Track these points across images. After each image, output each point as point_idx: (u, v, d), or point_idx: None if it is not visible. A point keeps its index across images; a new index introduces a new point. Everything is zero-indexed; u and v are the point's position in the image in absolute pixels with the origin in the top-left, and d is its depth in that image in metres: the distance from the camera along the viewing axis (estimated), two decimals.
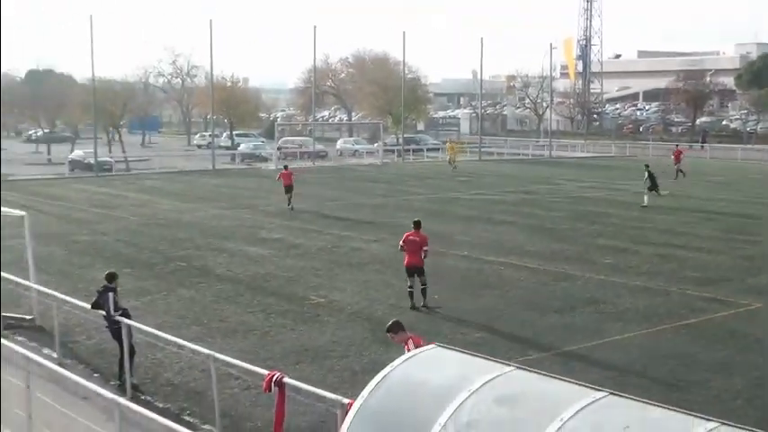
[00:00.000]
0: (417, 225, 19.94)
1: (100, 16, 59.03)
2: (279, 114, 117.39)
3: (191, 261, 24.84)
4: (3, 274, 17.93)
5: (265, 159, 67.50)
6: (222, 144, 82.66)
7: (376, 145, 73.88)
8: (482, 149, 72.25)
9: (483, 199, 38.88)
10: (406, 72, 77.27)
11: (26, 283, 17.91)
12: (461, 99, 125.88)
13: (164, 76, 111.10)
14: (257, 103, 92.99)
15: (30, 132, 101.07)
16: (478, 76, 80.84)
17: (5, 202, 31.29)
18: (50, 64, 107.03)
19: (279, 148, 65.41)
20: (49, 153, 76.80)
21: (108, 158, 61.76)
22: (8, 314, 17.78)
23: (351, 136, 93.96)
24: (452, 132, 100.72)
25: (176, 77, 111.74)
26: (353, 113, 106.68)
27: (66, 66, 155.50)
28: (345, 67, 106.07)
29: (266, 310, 19.30)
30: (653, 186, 38.80)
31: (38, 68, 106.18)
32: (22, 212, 19.24)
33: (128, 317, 14.78)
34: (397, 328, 12.11)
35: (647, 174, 39.01)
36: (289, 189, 36.83)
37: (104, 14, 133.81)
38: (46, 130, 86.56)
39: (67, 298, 16.53)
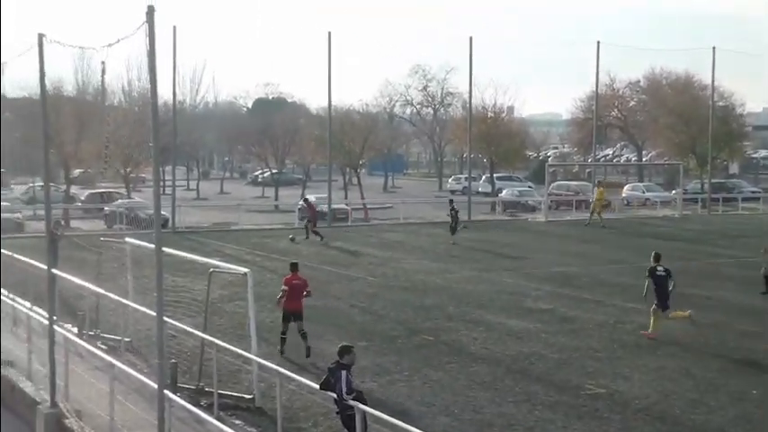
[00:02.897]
0: (295, 267, 23.07)
1: (338, 33, 62.07)
2: (550, 153, 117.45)
3: (439, 335, 25.15)
4: (221, 343, 18.94)
5: (533, 209, 67.53)
6: (480, 189, 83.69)
7: (674, 192, 72.06)
8: None
9: None
10: (716, 99, 75.09)
11: (246, 354, 18.80)
12: None
13: (412, 105, 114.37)
14: (524, 138, 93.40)
15: (256, 173, 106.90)
16: None
17: (229, 257, 33.14)
18: (281, 91, 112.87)
19: (549, 195, 65.32)
20: (276, 198, 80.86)
21: (343, 205, 64.02)
22: (226, 392, 18.74)
23: (641, 181, 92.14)
24: None
25: (427, 107, 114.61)
26: (645, 152, 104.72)
27: (299, 92, 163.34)
28: (636, 93, 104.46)
29: (531, 400, 19.15)
30: (454, 225, 45.82)
31: (267, 97, 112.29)
32: (245, 270, 20.20)
33: (363, 401, 15.10)
34: None
35: (450, 209, 46.12)
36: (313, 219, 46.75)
37: (343, 31, 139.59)
38: (274, 171, 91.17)
39: (292, 375, 17.17)
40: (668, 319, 25.13)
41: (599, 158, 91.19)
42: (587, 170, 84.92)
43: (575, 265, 38.08)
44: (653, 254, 26.03)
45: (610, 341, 24.45)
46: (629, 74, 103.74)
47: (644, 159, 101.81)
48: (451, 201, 48.50)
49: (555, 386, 20.15)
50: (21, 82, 61.42)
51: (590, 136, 76.59)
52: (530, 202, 70.76)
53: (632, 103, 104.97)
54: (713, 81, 71.22)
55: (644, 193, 78.67)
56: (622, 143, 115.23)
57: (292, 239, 45.17)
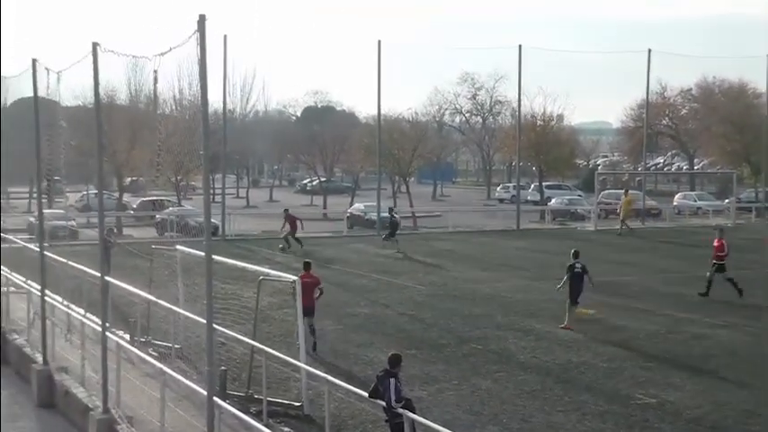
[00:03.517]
0: (308, 266, 24.58)
1: (388, 42, 61.88)
2: (599, 161, 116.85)
3: (488, 343, 25.12)
4: (270, 350, 19.05)
5: (582, 218, 67.20)
6: (529, 198, 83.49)
7: (727, 201, 71.33)
8: None
9: None
10: None
11: (295, 362, 18.88)
12: None
13: (461, 113, 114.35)
14: (573, 147, 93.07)
15: (305, 182, 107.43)
16: None
17: (278, 265, 33.24)
18: (330, 99, 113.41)
19: (599, 204, 64.99)
20: (324, 206, 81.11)
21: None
22: (274, 399, 18.84)
23: (692, 189, 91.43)
24: None
25: (476, 115, 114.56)
26: (697, 160, 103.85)
27: (348, 101, 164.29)
28: (687, 101, 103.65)
29: (580, 409, 19.08)
30: (392, 234, 45.41)
31: (316, 105, 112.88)
32: (294, 278, 20.32)
33: (411, 409, 15.13)
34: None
35: (390, 219, 46.24)
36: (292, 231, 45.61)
37: (392, 39, 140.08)
38: (323, 179, 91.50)
39: (340, 383, 17.22)
40: (578, 314, 27.16)
41: (649, 167, 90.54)
42: (637, 179, 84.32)
43: (625, 275, 37.81)
44: (572, 251, 28.00)
45: (661, 351, 24.27)
46: (680, 82, 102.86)
47: (696, 168, 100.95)
48: (391, 209, 48.18)
49: (604, 395, 20.05)
50: (75, 90, 62.16)
51: (640, 144, 76.04)
52: (579, 211, 70.41)
53: (684, 111, 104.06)
54: (767, 89, 70.41)
55: (696, 201, 77.93)
56: (674, 151, 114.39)
57: (282, 249, 44.90)
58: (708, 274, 32.76)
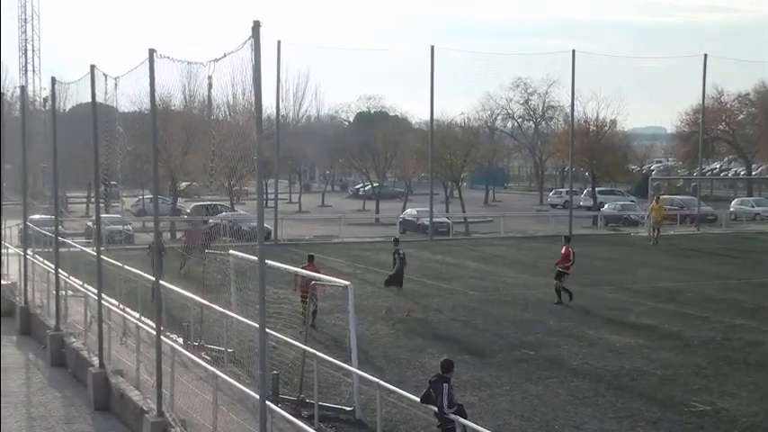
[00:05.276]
0: (311, 259, 27.08)
1: (441, 47, 60.94)
2: (654, 167, 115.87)
3: (540, 349, 25.02)
4: (321, 355, 19.13)
5: (635, 223, 66.72)
6: (582, 203, 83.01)
7: None
8: None
9: None
10: None
11: (347, 367, 18.95)
12: None
13: (513, 118, 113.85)
14: (626, 152, 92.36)
15: (357, 187, 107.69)
16: None
17: (329, 270, 33.37)
18: (383, 105, 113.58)
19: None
20: (377, 211, 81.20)
21: (445, 219, 63.96)
22: (326, 404, 18.93)
23: (750, 195, 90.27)
24: None
25: (528, 120, 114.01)
26: (755, 165, 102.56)
27: (401, 106, 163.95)
28: (745, 106, 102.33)
29: (633, 416, 18.96)
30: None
31: (368, 110, 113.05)
32: (346, 282, 20.38)
33: (463, 415, 15.13)
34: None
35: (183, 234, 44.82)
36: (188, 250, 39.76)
37: (446, 43, 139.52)
38: (375, 184, 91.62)
39: (392, 387, 17.24)
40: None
41: (705, 172, 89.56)
42: (692, 184, 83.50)
43: (679, 281, 37.50)
44: (393, 239, 32.51)
45: (716, 358, 24.04)
46: (737, 87, 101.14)
47: (754, 173, 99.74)
48: (206, 222, 47.63)
49: (658, 403, 19.90)
50: (132, 96, 62.71)
51: (696, 149, 75.22)
52: (632, 217, 69.90)
53: (741, 116, 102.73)
54: None
55: (753, 207, 76.98)
56: (730, 157, 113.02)
57: (181, 267, 39.01)
58: (556, 283, 32.52)
